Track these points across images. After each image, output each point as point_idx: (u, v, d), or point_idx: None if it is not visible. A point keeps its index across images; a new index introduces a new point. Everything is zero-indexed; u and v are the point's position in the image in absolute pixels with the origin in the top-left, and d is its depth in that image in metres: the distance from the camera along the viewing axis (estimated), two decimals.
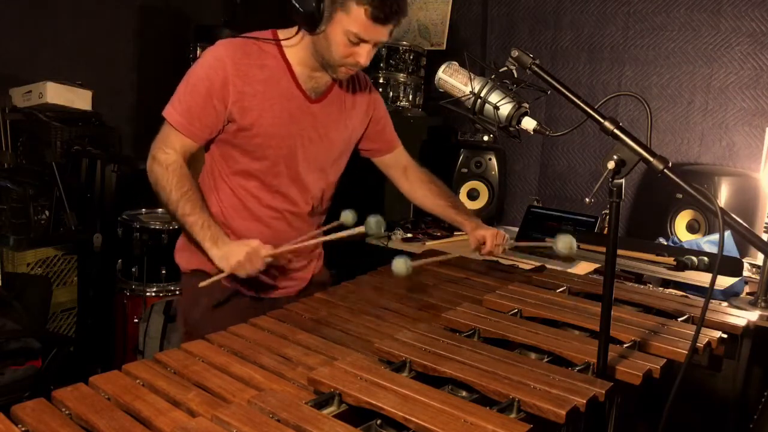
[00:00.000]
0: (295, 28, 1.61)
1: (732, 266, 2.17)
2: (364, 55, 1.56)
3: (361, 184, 3.05)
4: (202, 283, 1.58)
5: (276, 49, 1.64)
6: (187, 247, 1.74)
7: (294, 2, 1.51)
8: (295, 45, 1.63)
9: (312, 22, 1.52)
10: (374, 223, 1.53)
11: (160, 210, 2.92)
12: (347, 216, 1.81)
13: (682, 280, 2.18)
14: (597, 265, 2.38)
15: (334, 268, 2.03)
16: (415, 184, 2.01)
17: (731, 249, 2.32)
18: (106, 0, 3.40)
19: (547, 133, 1.26)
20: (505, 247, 1.93)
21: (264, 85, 1.62)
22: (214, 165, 1.72)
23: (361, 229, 1.55)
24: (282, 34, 1.65)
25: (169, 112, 1.61)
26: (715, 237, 2.37)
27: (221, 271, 1.57)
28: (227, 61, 1.59)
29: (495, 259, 2.46)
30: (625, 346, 1.35)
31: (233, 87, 1.59)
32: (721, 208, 1.04)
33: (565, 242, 1.66)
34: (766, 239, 1.98)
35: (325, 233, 1.78)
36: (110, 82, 3.29)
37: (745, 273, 2.27)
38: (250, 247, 1.54)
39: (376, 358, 1.27)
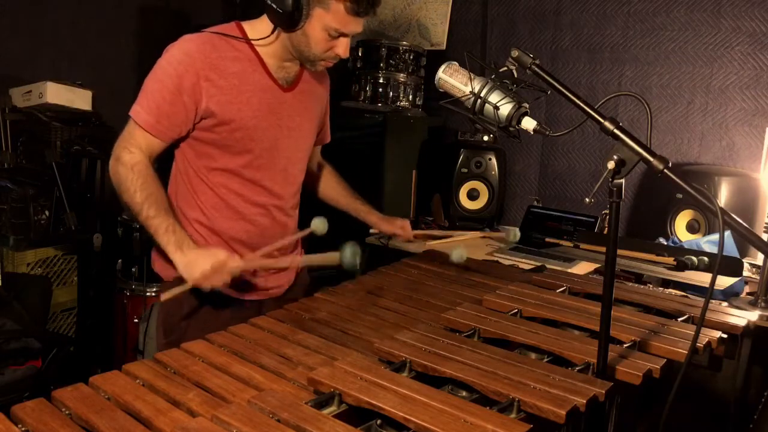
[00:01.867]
0: (263, 21, 1.59)
1: (732, 266, 2.17)
2: (343, 47, 1.57)
3: (360, 185, 3.06)
4: (164, 296, 1.52)
5: (244, 43, 1.62)
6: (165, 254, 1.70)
7: (271, 2, 1.49)
8: (269, 43, 1.61)
9: (291, 21, 1.51)
10: (350, 253, 1.44)
11: None
12: (317, 224, 1.77)
13: (682, 280, 2.18)
14: (597, 265, 2.38)
15: (333, 268, 2.03)
16: (326, 176, 2.03)
17: (731, 249, 2.31)
18: (106, 0, 3.40)
19: (547, 133, 1.26)
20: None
21: (239, 78, 1.59)
22: (189, 167, 1.66)
23: (334, 257, 1.46)
24: (248, 28, 1.63)
25: (136, 110, 1.55)
26: (715, 237, 2.37)
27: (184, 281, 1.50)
28: (197, 56, 1.54)
29: (495, 259, 2.46)
30: (625, 346, 1.35)
31: (207, 82, 1.55)
32: (721, 208, 1.04)
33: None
34: (766, 239, 1.98)
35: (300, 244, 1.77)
36: (110, 82, 3.29)
37: (745, 273, 2.27)
38: (216, 259, 1.46)
39: (376, 358, 1.27)
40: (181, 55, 1.55)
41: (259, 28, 1.61)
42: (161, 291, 1.71)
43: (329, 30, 1.51)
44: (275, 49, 1.62)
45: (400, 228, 1.99)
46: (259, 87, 1.63)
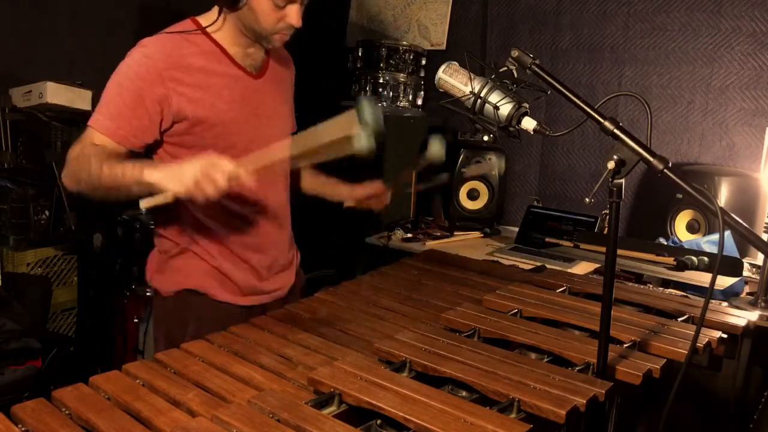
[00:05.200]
0: (215, 11, 1.54)
1: (732, 266, 2.17)
2: (294, 15, 1.51)
3: (360, 184, 3.06)
4: (144, 203, 1.37)
5: (202, 36, 1.56)
6: (165, 266, 1.65)
7: None
8: (219, 28, 1.56)
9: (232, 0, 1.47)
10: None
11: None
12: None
13: (682, 280, 2.18)
14: (597, 265, 2.38)
15: (334, 267, 2.02)
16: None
17: (731, 249, 2.31)
18: (106, 0, 3.40)
19: (547, 133, 1.26)
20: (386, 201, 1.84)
21: (205, 73, 1.53)
22: None
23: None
24: (202, 20, 1.58)
25: (96, 119, 1.47)
26: (715, 237, 2.37)
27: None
28: (157, 57, 1.48)
29: (495, 259, 2.46)
30: (625, 346, 1.35)
31: (173, 82, 1.48)
32: (721, 208, 1.04)
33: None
34: (766, 239, 1.98)
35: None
36: None
37: (745, 273, 2.27)
38: (205, 160, 1.31)
39: (376, 358, 1.27)
40: (141, 57, 1.49)
41: (212, 17, 1.56)
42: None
43: (274, 0, 1.47)
44: (232, 36, 1.57)
45: (371, 190, 1.81)
46: (227, 78, 1.58)
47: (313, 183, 1.92)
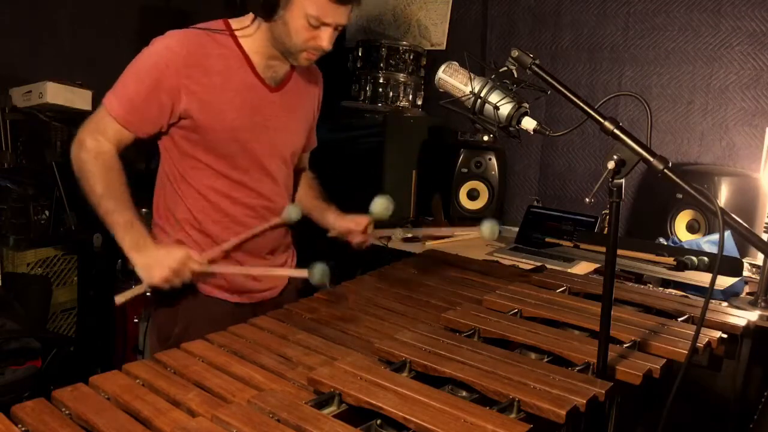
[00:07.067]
0: (250, 17, 1.55)
1: (732, 266, 2.17)
2: (325, 38, 1.51)
3: (360, 185, 3.06)
4: (119, 299, 1.52)
5: (230, 39, 1.57)
6: None
7: None
8: (250, 35, 1.57)
9: (269, 9, 1.47)
10: (319, 272, 1.46)
11: None
12: (290, 211, 1.70)
13: (682, 280, 2.18)
14: (597, 265, 2.38)
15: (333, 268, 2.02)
16: (299, 181, 1.90)
17: (731, 249, 2.31)
18: (107, 0, 3.40)
19: (547, 133, 1.26)
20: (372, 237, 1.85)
21: (222, 77, 1.54)
22: (174, 168, 1.62)
23: (303, 273, 1.49)
24: (235, 23, 1.59)
25: (109, 99, 1.51)
26: (715, 237, 2.37)
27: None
28: (179, 52, 1.50)
29: (495, 259, 2.46)
30: (625, 346, 1.35)
31: (187, 79, 1.50)
32: (721, 208, 1.04)
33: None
34: (766, 239, 1.98)
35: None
36: (110, 82, 3.27)
37: (745, 273, 2.27)
38: (175, 261, 1.44)
39: (376, 358, 1.27)
40: (163, 50, 1.51)
41: (244, 22, 1.57)
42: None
43: (309, 18, 1.46)
44: (260, 46, 1.58)
45: (354, 224, 1.79)
46: (243, 86, 1.58)
47: (303, 201, 1.89)
